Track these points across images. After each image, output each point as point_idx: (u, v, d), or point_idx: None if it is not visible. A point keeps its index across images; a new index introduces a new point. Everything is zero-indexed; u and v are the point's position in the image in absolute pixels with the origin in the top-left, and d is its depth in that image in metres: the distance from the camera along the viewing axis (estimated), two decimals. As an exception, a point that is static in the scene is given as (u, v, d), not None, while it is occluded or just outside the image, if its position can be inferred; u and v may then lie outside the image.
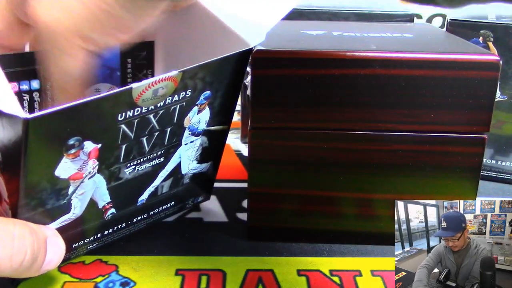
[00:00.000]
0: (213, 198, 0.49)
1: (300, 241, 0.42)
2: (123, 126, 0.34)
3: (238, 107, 0.76)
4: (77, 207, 0.36)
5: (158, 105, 0.35)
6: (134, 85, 0.32)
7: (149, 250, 0.41)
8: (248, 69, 0.39)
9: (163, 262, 0.39)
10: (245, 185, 0.42)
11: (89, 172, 0.34)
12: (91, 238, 0.39)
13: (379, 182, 0.40)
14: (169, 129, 0.37)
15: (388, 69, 0.37)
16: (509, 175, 0.53)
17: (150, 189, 0.40)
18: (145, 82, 0.33)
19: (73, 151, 0.32)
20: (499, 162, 0.53)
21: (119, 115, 0.33)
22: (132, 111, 0.33)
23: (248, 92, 0.56)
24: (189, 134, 0.39)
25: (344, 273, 0.39)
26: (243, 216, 0.46)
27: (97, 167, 0.35)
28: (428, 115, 0.38)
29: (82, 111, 0.31)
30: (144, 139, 0.36)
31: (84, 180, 0.34)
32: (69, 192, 0.34)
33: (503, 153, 0.52)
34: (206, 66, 0.35)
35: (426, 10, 1.21)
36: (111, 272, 0.38)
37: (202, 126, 0.39)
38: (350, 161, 0.39)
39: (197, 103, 0.37)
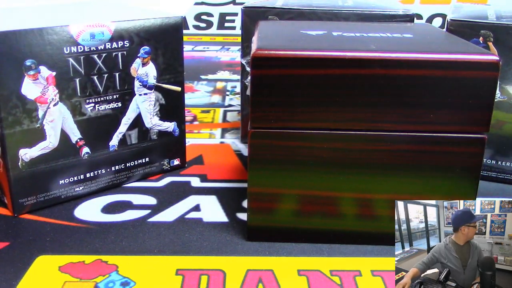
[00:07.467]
0: (213, 198, 0.49)
1: (300, 241, 0.42)
2: (71, 59, 0.43)
3: (238, 107, 0.77)
4: (52, 136, 0.44)
5: (99, 47, 0.44)
6: (71, 24, 0.43)
7: (149, 250, 0.41)
8: (248, 69, 0.39)
9: (163, 262, 0.39)
10: (245, 185, 0.42)
11: (52, 99, 0.43)
12: (75, 178, 0.47)
13: (379, 182, 0.40)
14: (117, 74, 0.46)
15: (388, 69, 0.37)
16: (509, 175, 0.53)
17: (118, 135, 0.48)
18: (81, 23, 0.43)
19: (31, 72, 0.41)
20: (499, 162, 0.53)
21: (65, 48, 0.43)
22: (76, 47, 0.43)
23: (248, 92, 0.56)
24: (140, 85, 0.48)
25: (344, 273, 0.39)
26: (243, 216, 0.46)
27: (57, 95, 0.43)
28: (428, 115, 0.38)
29: (29, 37, 0.41)
30: (95, 78, 0.45)
31: (49, 106, 0.43)
32: (40, 116, 0.43)
33: (503, 153, 0.52)
34: (136, 23, 0.46)
35: (426, 10, 1.21)
36: (111, 272, 0.38)
37: (152, 80, 0.48)
38: (350, 161, 0.39)
39: (138, 55, 0.47)
